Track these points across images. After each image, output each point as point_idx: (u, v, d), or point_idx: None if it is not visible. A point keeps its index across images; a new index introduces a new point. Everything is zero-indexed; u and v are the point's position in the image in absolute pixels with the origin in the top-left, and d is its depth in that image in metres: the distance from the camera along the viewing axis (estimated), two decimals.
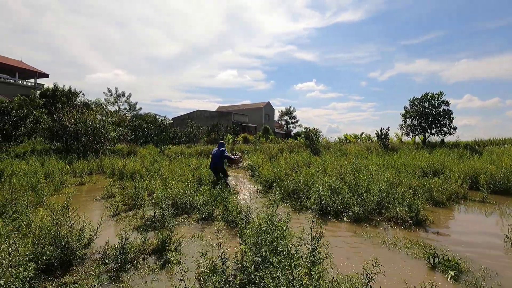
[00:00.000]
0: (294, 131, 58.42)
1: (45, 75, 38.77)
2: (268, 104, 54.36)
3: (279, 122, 60.47)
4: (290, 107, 59.79)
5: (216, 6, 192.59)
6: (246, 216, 4.62)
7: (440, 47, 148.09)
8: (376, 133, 20.16)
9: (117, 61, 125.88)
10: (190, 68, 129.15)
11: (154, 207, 5.21)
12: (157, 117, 40.96)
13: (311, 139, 19.27)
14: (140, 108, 46.11)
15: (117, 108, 44.22)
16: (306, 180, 6.86)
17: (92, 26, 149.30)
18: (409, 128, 21.38)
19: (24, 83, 36.19)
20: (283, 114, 60.01)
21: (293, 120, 59.47)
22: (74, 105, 24.67)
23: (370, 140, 28.95)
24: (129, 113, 43.83)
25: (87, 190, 8.15)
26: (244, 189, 8.15)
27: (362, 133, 30.54)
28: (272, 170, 8.54)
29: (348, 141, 29.10)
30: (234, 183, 8.61)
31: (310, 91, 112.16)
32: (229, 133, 28.89)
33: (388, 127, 19.60)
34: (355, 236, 4.34)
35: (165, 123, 33.61)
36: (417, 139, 22.23)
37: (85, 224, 3.68)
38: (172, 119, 45.35)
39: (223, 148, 8.16)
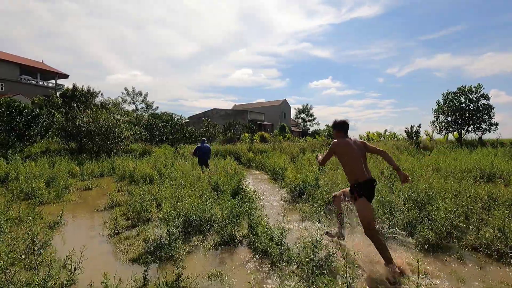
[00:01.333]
0: (311, 129, 56.64)
1: (65, 76, 39.22)
2: (285, 101, 52.85)
3: (296, 120, 58.82)
4: (307, 104, 58.02)
5: (230, 5, 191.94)
6: (280, 242, 3.40)
7: (462, 40, 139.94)
8: (405, 131, 18.34)
9: (135, 62, 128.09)
10: (205, 68, 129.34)
11: (162, 223, 4.09)
12: (173, 116, 40.57)
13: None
14: (157, 107, 46.08)
15: (134, 108, 44.36)
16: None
17: (111, 28, 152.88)
18: (443, 125, 19.38)
19: (46, 84, 36.72)
20: (299, 111, 58.28)
21: (310, 118, 57.63)
22: (89, 104, 24.36)
23: (396, 138, 27.07)
24: (146, 112, 43.79)
25: (92, 196, 7.22)
26: (269, 197, 6.94)
27: (386, 130, 28.62)
28: (300, 174, 7.26)
29: (371, 139, 27.29)
30: (255, 188, 7.38)
31: (326, 88, 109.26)
32: (245, 132, 27.80)
33: (420, 124, 17.73)
34: (441, 278, 3.00)
35: (181, 122, 32.97)
36: (450, 136, 20.18)
37: (61, 261, 2.57)
38: (188, 118, 44.89)
39: (207, 144, 9.68)
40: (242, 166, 13.68)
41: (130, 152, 16.54)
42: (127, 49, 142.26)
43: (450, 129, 19.08)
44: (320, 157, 3.72)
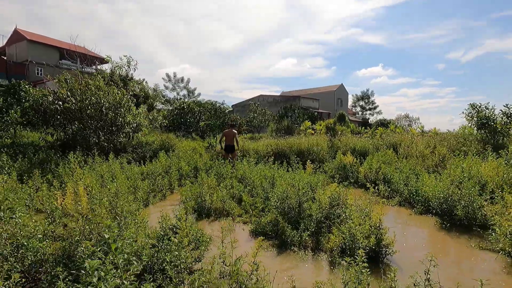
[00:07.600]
0: (371, 118, 46.28)
1: (106, 62, 35.73)
2: (341, 87, 43.37)
3: (352, 108, 48.85)
4: (367, 90, 47.45)
5: None
6: None
7: None
8: None
9: (184, 56, 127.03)
10: (250, 59, 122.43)
11: None
12: (216, 103, 34.65)
13: (493, 128, 9.18)
14: (199, 94, 40.76)
15: (175, 95, 39.68)
16: None
17: (163, 25, 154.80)
18: None
19: (87, 69, 33.50)
20: (358, 99, 48.07)
21: (370, 106, 47.11)
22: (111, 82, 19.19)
23: None
24: (187, 99, 38.79)
25: None
26: None
27: None
28: None
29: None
30: None
31: (375, 76, 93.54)
32: (306, 120, 20.17)
33: None
34: None
35: (222, 109, 26.63)
36: None
37: None
38: (232, 106, 38.69)
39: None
40: (332, 181, 6.14)
41: (143, 146, 10.34)
42: (178, 44, 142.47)
43: None
44: None
